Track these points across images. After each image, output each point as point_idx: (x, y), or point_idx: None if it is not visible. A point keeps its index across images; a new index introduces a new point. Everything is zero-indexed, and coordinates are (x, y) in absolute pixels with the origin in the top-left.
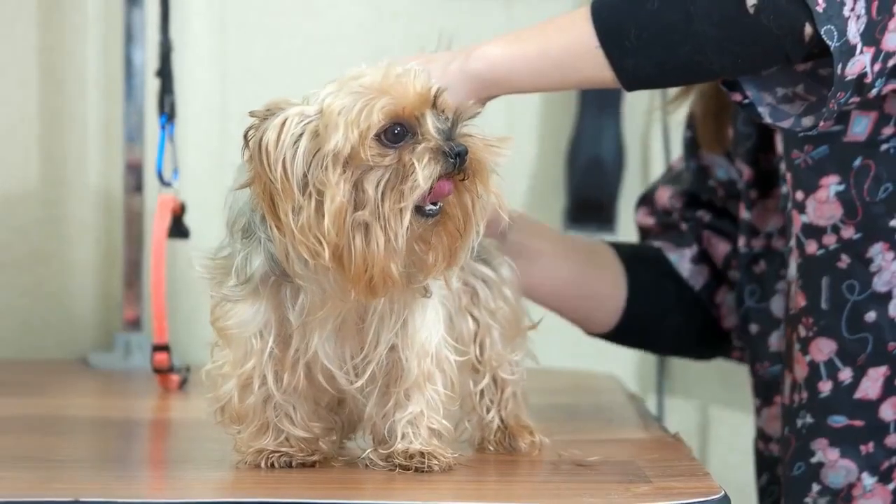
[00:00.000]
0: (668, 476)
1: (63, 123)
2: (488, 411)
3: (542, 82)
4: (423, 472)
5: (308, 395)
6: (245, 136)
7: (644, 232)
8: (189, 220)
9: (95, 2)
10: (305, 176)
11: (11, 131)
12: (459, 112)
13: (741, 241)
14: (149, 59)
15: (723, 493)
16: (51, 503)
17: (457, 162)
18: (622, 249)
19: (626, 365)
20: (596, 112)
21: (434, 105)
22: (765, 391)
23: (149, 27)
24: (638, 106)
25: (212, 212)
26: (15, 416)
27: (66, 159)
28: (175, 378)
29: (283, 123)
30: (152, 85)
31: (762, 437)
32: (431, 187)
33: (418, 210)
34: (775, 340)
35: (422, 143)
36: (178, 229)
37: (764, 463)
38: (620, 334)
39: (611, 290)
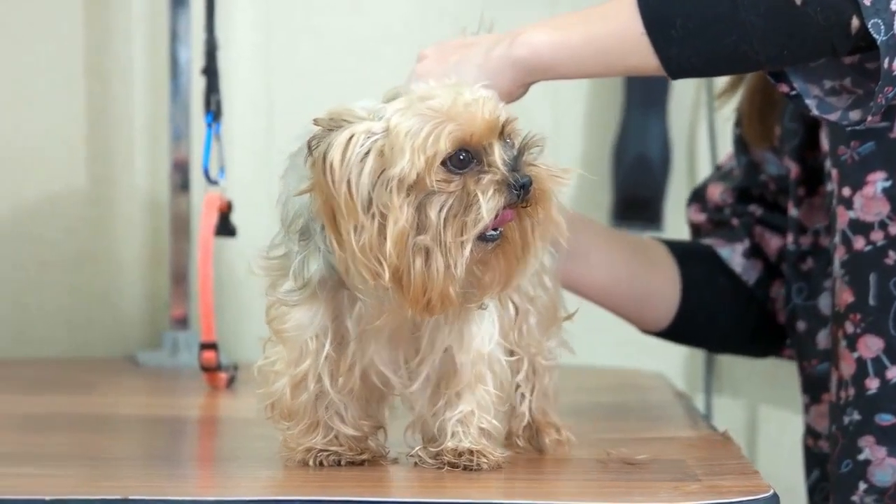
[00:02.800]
0: (716, 474)
1: (109, 123)
2: (521, 402)
3: (586, 69)
4: (471, 470)
5: (360, 394)
6: (309, 146)
7: (695, 229)
8: (236, 217)
9: (141, 1)
10: (369, 196)
11: (58, 131)
12: (526, 141)
13: (789, 239)
14: (194, 57)
15: (772, 491)
16: (100, 501)
17: (521, 193)
18: (674, 246)
19: (673, 363)
20: (642, 109)
21: (501, 133)
22: (813, 389)
23: (194, 26)
24: (684, 103)
25: (258, 209)
26: (64, 414)
27: (113, 158)
28: (223, 376)
29: (350, 141)
30: (198, 83)
31: (811, 433)
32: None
33: (479, 236)
34: (823, 338)
35: (487, 174)
36: (225, 227)
37: (813, 460)
38: (675, 332)
39: (665, 287)
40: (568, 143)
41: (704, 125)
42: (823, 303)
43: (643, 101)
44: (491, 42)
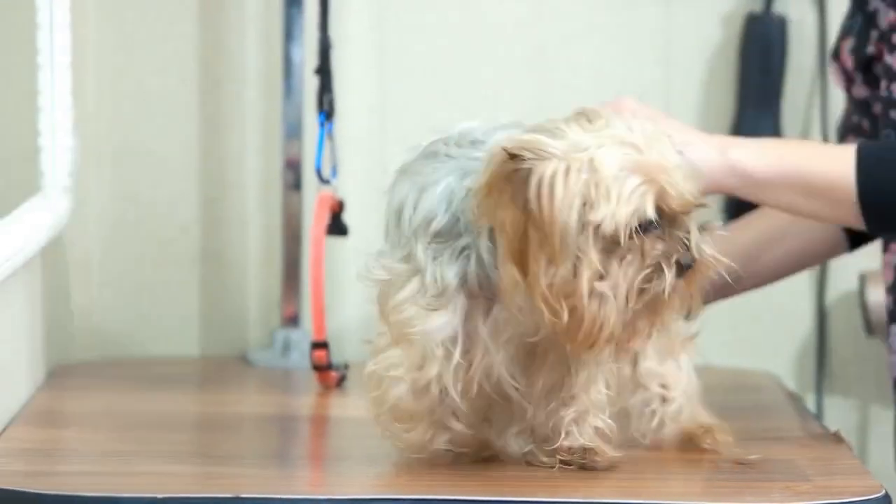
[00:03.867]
0: (828, 474)
1: (223, 122)
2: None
3: (785, 205)
4: (585, 468)
5: (476, 397)
6: (491, 173)
7: None
8: (347, 217)
9: (255, 0)
10: (573, 236)
11: (172, 131)
12: (707, 228)
13: (882, 86)
14: (308, 56)
15: (884, 491)
16: (212, 499)
17: (685, 270)
18: None
19: (784, 363)
20: (755, 109)
21: (688, 211)
22: None
23: (308, 25)
24: (797, 103)
25: (370, 209)
26: (176, 412)
27: (226, 158)
28: (334, 375)
29: (568, 176)
30: (311, 83)
31: None
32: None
33: None
34: None
35: (672, 246)
36: (337, 226)
37: None
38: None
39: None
40: None
41: (817, 126)
42: None
43: (756, 101)
44: (705, 144)
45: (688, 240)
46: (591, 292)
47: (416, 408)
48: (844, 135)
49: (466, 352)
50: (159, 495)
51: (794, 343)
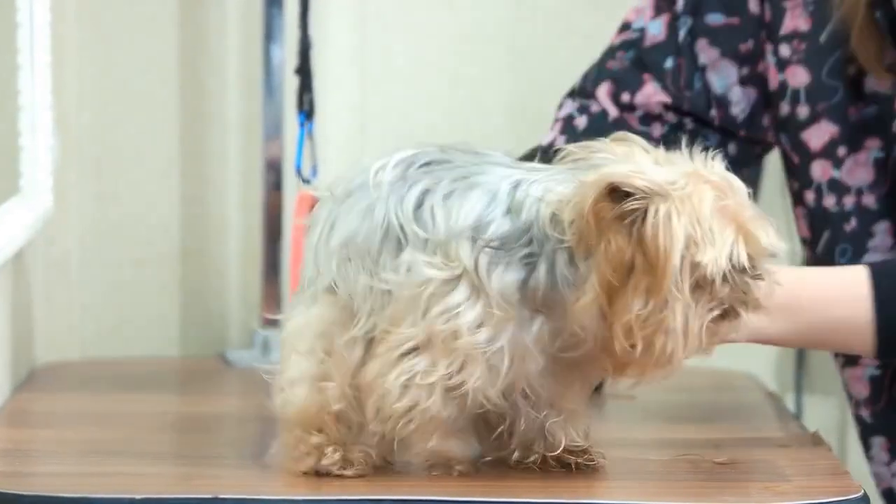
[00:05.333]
0: (807, 475)
1: (203, 121)
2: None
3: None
4: (580, 468)
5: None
6: (596, 206)
7: None
8: None
9: (235, 0)
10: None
11: (153, 130)
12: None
13: (830, 201)
14: (288, 56)
15: (862, 491)
16: (191, 500)
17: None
18: None
19: (763, 363)
20: None
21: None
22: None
23: (288, 25)
24: None
25: None
26: (155, 413)
27: (207, 157)
28: None
29: (680, 216)
30: (291, 82)
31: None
32: None
33: None
34: None
35: (745, 293)
36: None
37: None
38: None
39: None
40: None
41: None
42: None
43: None
44: None
45: (758, 287)
46: (670, 329)
47: (444, 417)
48: None
49: (511, 363)
50: (137, 496)
51: None
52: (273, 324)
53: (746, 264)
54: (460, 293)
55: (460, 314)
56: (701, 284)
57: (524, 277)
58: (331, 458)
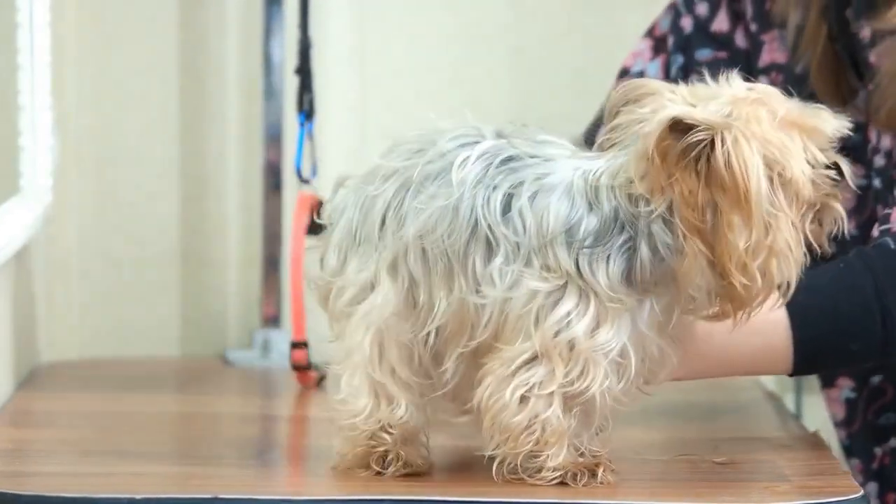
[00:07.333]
0: (807, 475)
1: (203, 121)
2: None
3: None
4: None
5: None
6: (660, 143)
7: None
8: None
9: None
10: (769, 199)
11: (152, 129)
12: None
13: None
14: (288, 56)
15: (862, 492)
16: (190, 500)
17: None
18: None
19: None
20: None
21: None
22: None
23: (288, 24)
24: None
25: None
26: (155, 413)
27: (207, 157)
28: (313, 375)
29: (749, 141)
30: (291, 82)
31: None
32: None
33: None
34: None
35: (827, 190)
36: (317, 226)
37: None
38: None
39: None
40: None
41: None
42: None
43: None
44: None
45: (840, 170)
46: (780, 249)
47: (562, 427)
48: None
49: (636, 355)
50: (137, 496)
51: None
52: (273, 323)
53: (823, 160)
54: (569, 301)
55: (572, 322)
56: (791, 196)
57: (628, 265)
58: (395, 465)
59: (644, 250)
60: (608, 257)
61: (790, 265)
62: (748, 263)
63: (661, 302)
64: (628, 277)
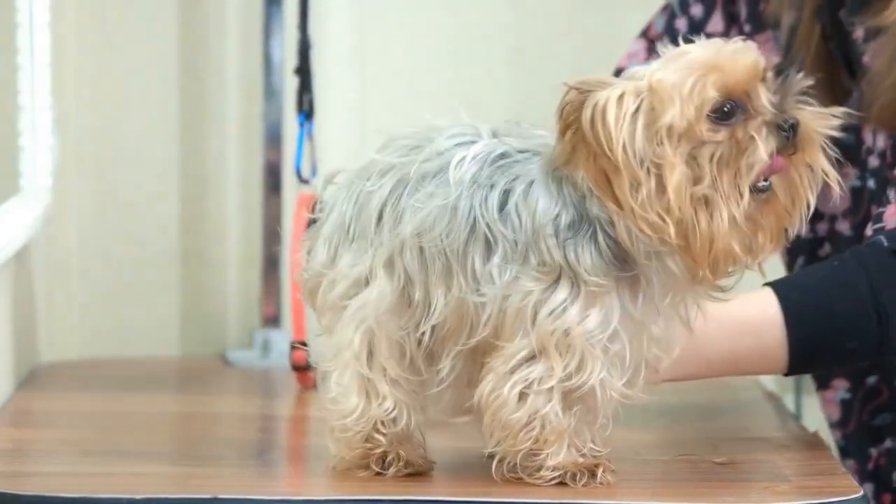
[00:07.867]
0: (806, 475)
1: (203, 121)
2: None
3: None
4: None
5: None
6: (562, 113)
7: None
8: None
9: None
10: (644, 150)
11: (152, 129)
12: (788, 82)
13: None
14: (288, 56)
15: (861, 492)
16: (190, 500)
17: (790, 135)
18: None
19: None
20: None
21: (763, 79)
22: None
23: (288, 24)
24: None
25: None
26: (155, 413)
27: (207, 157)
28: (313, 375)
29: (621, 98)
30: (291, 82)
31: None
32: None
33: (752, 186)
34: None
35: (756, 119)
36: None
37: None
38: None
39: None
40: None
41: None
42: None
43: None
44: None
45: (777, 102)
46: (692, 198)
47: (562, 425)
48: None
49: (630, 342)
50: (137, 496)
51: None
52: (273, 323)
53: (717, 96)
54: (562, 291)
55: (566, 309)
56: (696, 143)
57: (597, 248)
58: (396, 466)
59: (598, 230)
60: (584, 244)
61: (721, 214)
62: (648, 216)
63: (645, 276)
64: (601, 260)
